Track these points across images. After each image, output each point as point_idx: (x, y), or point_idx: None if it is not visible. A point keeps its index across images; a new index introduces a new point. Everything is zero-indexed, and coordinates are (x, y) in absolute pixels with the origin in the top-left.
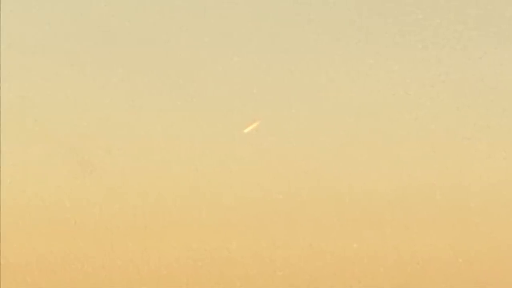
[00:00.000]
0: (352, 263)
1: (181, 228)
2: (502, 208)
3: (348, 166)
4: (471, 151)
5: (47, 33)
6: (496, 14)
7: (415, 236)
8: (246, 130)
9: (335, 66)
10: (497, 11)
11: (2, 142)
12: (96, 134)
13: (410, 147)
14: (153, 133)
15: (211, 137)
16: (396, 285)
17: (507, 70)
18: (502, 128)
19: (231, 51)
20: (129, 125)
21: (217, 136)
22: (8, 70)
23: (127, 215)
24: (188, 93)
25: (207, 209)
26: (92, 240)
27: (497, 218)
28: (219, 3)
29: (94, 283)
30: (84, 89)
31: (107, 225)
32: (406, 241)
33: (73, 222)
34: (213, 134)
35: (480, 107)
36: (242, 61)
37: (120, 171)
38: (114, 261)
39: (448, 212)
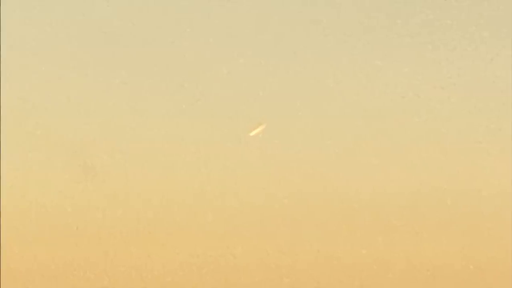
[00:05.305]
0: (360, 269)
1: (186, 234)
2: None
3: (357, 170)
4: (482, 155)
5: (48, 34)
6: (508, 15)
7: (425, 242)
8: (252, 133)
9: (342, 68)
10: (510, 12)
11: (2, 146)
12: (98, 137)
13: (420, 151)
14: (157, 137)
15: (216, 140)
16: None
17: None
18: None
19: (236, 52)
20: (132, 128)
21: (222, 139)
22: (9, 72)
23: (130, 220)
24: (192, 95)
25: (212, 214)
26: (95, 246)
27: (510, 224)
28: (224, 4)
29: None
30: (86, 91)
31: (110, 230)
32: (416, 247)
33: (75, 227)
34: (218, 137)
35: (492, 110)
36: (248, 62)
37: (123, 175)
38: (117, 267)
39: (459, 218)
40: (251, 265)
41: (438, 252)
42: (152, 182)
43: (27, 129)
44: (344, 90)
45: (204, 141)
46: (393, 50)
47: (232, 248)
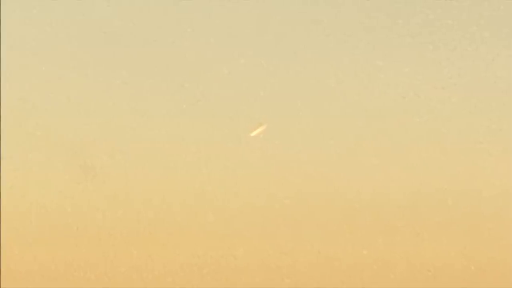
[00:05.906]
0: (361, 270)
1: (187, 235)
2: None
3: (357, 171)
4: (483, 155)
5: (48, 34)
6: (509, 15)
7: (426, 243)
8: (252, 134)
9: (343, 68)
10: (510, 12)
11: (2, 146)
12: (98, 137)
13: (420, 151)
14: (157, 137)
15: (217, 141)
16: None
17: None
18: None
19: (237, 52)
20: (132, 128)
21: (223, 140)
22: (9, 72)
23: (130, 221)
24: (193, 95)
25: (213, 214)
26: (95, 246)
27: (511, 224)
28: (225, 4)
29: None
30: (86, 92)
31: (110, 231)
32: (417, 248)
33: (75, 228)
34: (219, 138)
35: (493, 110)
36: (249, 63)
37: (124, 176)
38: (117, 268)
39: (460, 218)
40: (252, 266)
41: (439, 253)
42: (152, 183)
43: (27, 129)
44: (345, 90)
45: (204, 142)
46: (394, 50)
47: (233, 248)
